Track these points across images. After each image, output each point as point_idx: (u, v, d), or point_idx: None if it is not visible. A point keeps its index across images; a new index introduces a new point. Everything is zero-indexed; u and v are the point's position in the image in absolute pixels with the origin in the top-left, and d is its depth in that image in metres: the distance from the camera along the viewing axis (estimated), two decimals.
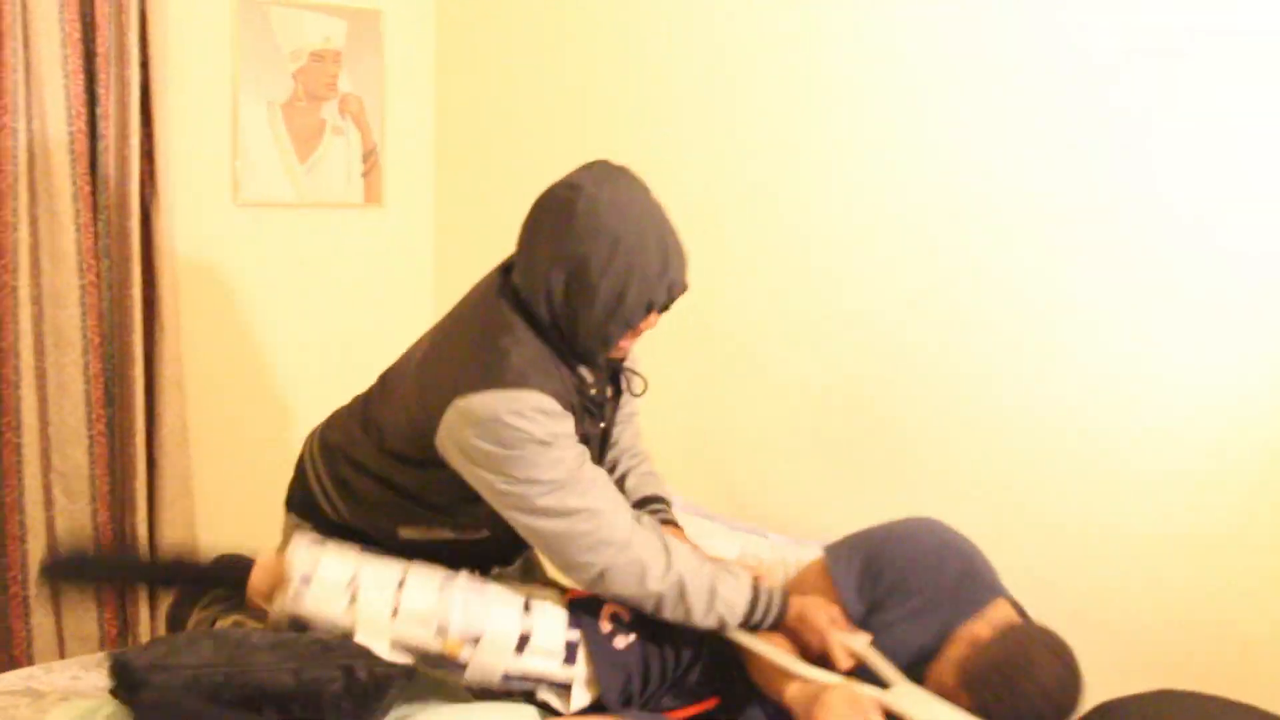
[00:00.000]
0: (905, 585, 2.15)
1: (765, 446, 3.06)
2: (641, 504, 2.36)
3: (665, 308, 2.08)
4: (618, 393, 2.24)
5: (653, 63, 3.21)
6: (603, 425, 2.21)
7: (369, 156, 3.66)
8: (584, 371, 2.11)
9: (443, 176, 3.82)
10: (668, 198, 3.11)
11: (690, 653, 2.18)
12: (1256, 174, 2.22)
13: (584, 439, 2.12)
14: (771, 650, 2.10)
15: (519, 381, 1.98)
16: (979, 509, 2.67)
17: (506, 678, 2.09)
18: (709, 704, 2.18)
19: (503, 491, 2.01)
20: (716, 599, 2.09)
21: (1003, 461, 2.65)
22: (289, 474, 2.41)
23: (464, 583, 2.12)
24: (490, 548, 2.28)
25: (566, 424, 2.04)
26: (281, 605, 2.10)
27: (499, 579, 2.31)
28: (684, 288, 2.06)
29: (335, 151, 3.59)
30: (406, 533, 2.23)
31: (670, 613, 2.09)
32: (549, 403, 1.99)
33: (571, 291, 1.99)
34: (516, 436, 1.97)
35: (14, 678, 2.36)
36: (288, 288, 3.56)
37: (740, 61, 3.02)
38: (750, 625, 2.13)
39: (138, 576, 2.24)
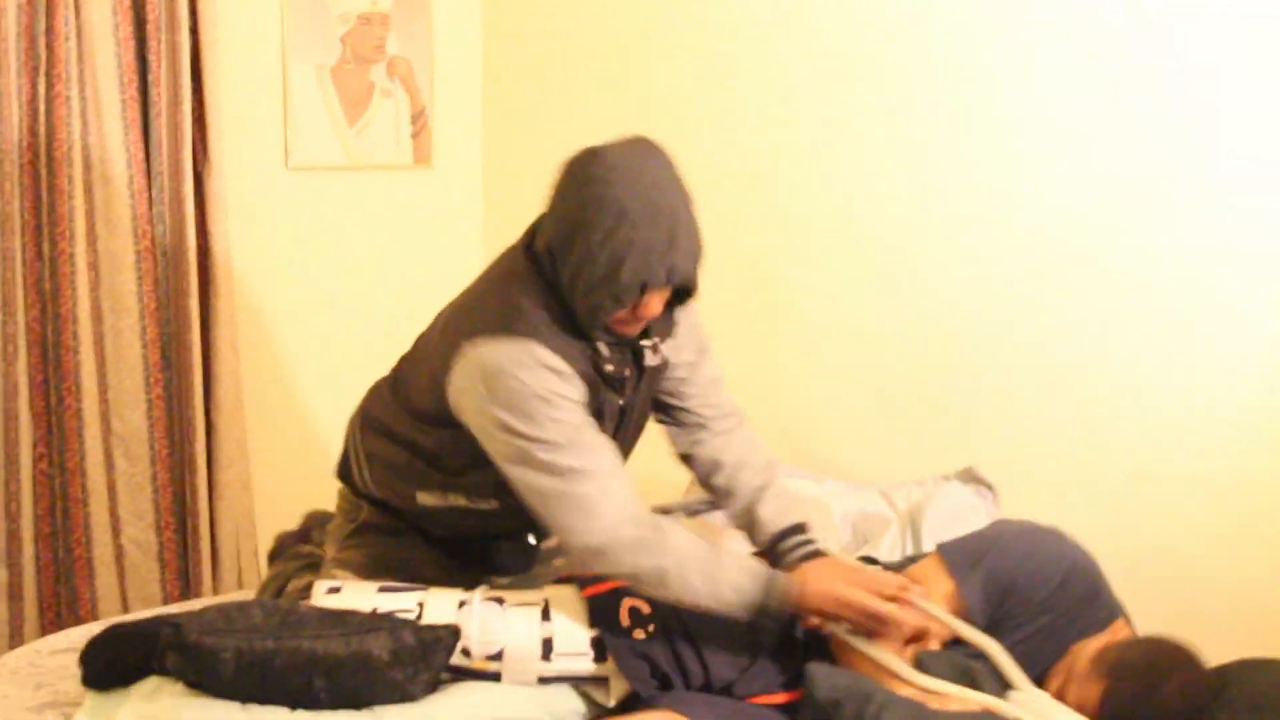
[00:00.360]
0: (1032, 604, 2.09)
1: (822, 394, 3.07)
2: (781, 537, 2.20)
3: (676, 295, 2.04)
4: (641, 370, 2.16)
5: (704, 22, 3.19)
6: (621, 403, 2.14)
7: (418, 118, 3.66)
8: (600, 345, 2.06)
9: (491, 137, 3.82)
10: (722, 157, 3.13)
11: (746, 654, 2.09)
12: None
13: (598, 412, 2.08)
14: (879, 651, 2.02)
15: (528, 332, 1.98)
16: (1033, 460, 2.67)
17: (542, 680, 2.07)
18: (786, 696, 2.07)
19: (500, 441, 1.99)
20: (721, 578, 1.99)
21: (1058, 413, 2.63)
22: (340, 436, 2.42)
23: (480, 597, 2.09)
24: (502, 521, 2.25)
25: (571, 386, 2.00)
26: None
27: (515, 586, 2.29)
28: (688, 278, 1.99)
29: (384, 114, 3.59)
30: (424, 498, 2.22)
31: (675, 590, 2.00)
32: (555, 359, 1.98)
33: (572, 255, 1.96)
34: (517, 389, 1.95)
35: (76, 634, 2.40)
36: (339, 250, 3.58)
37: (798, 21, 2.99)
38: (763, 608, 2.01)
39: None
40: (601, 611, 2.09)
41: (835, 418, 3.03)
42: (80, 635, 2.39)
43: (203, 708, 1.90)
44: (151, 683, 1.98)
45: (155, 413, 3.14)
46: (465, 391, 2.02)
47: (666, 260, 1.94)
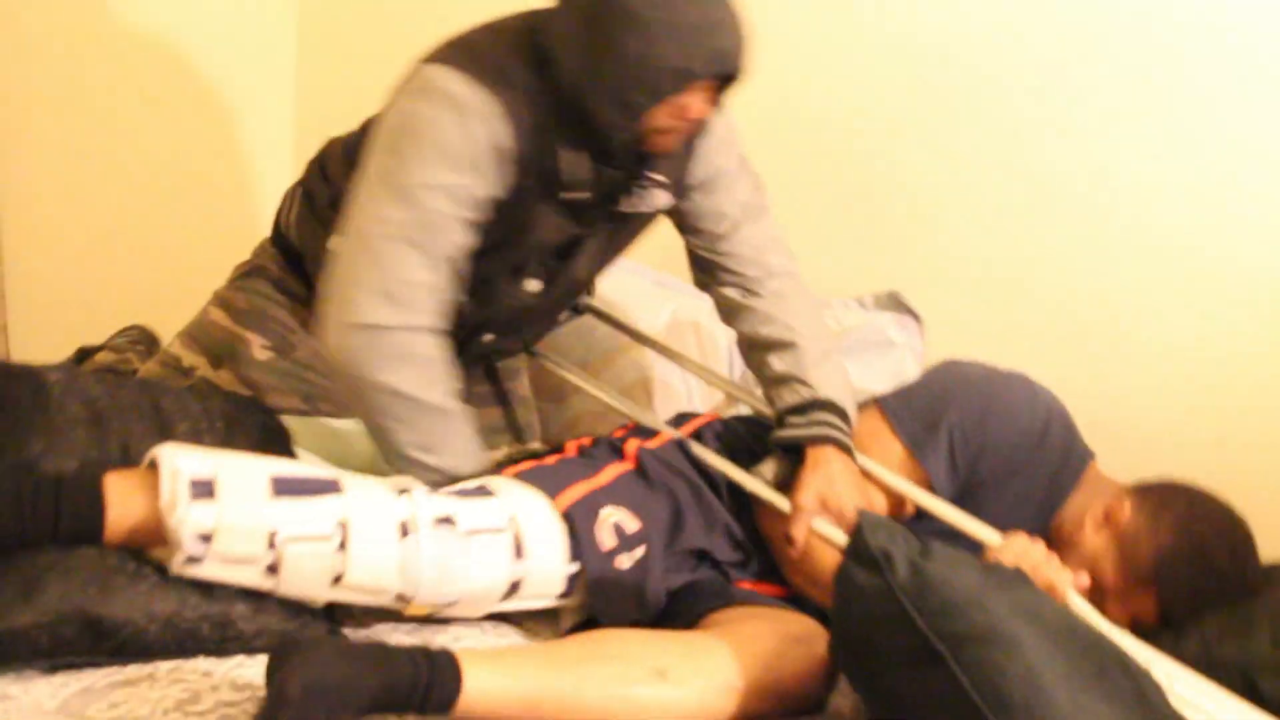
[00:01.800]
0: (1007, 468, 1.80)
1: None
2: (788, 415, 1.87)
3: (717, 89, 1.73)
4: (610, 202, 1.85)
5: None
6: (575, 234, 1.86)
7: None
8: (571, 156, 1.76)
9: None
10: None
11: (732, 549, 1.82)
12: None
13: (515, 228, 1.80)
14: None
15: (450, 58, 1.71)
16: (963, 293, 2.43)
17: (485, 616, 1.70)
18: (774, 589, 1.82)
19: (370, 162, 1.75)
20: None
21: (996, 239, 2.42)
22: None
23: (428, 516, 1.57)
24: None
25: (479, 170, 1.70)
26: (170, 568, 1.49)
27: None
28: (732, 67, 1.71)
29: None
30: (334, 243, 1.84)
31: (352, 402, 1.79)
32: (500, 126, 1.69)
33: (594, 40, 1.68)
34: (403, 109, 1.73)
35: None
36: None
37: None
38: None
39: None
40: (580, 533, 1.66)
41: None
42: None
43: None
44: None
45: None
46: (388, 105, 1.77)
47: (707, 44, 1.67)
